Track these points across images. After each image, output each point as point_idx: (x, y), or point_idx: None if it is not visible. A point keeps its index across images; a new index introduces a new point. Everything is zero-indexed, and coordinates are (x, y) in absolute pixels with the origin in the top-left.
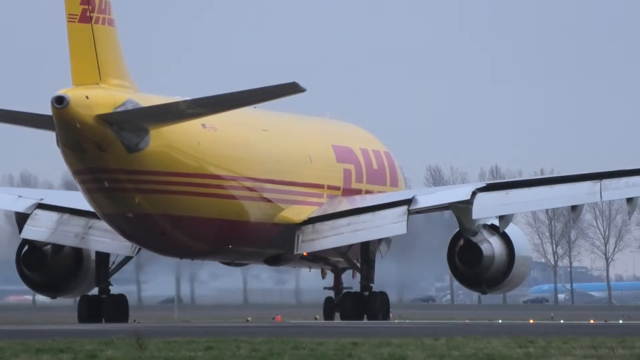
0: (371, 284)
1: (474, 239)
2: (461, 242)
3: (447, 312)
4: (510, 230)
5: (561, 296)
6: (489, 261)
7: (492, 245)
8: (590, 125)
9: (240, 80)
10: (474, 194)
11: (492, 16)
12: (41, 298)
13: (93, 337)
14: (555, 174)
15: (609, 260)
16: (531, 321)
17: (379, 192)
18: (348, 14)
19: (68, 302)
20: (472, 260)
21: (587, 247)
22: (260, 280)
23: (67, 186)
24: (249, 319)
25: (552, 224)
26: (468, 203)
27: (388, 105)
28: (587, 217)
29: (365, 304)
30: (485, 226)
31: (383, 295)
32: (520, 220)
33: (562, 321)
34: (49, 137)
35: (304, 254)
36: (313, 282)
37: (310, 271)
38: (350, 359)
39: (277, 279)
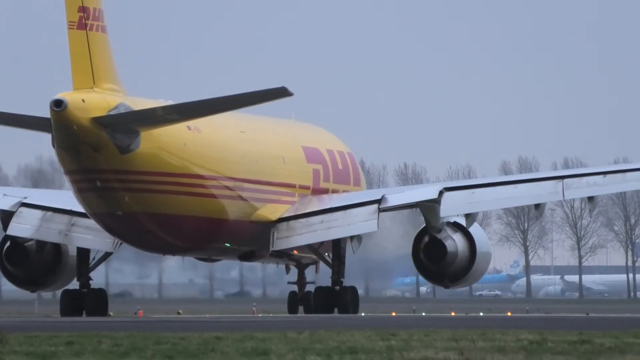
0: (342, 279)
1: (439, 236)
2: (426, 238)
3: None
4: (472, 227)
5: (423, 289)
6: (452, 257)
7: (455, 242)
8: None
9: (216, 84)
10: (441, 193)
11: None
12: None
13: None
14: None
15: None
16: (393, 314)
17: (344, 191)
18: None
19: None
20: (437, 256)
21: None
22: (123, 274)
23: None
24: (110, 313)
25: None
26: (435, 202)
27: (349, 106)
28: None
29: (336, 298)
30: (449, 223)
31: (353, 290)
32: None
33: (423, 314)
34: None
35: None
36: (176, 277)
37: (277, 266)
38: (214, 354)
39: (139, 273)
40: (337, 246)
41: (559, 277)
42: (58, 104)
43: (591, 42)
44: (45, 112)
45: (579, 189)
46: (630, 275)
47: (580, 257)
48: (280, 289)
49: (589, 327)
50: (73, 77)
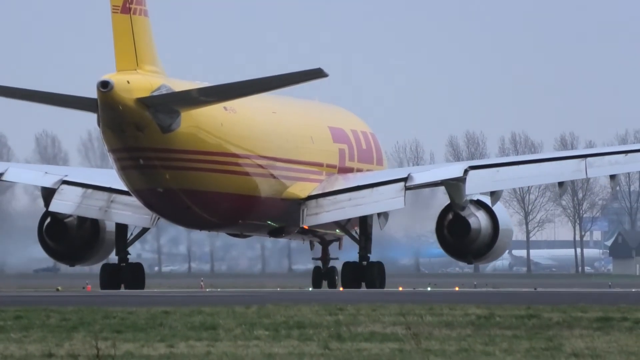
0: (369, 254)
1: (463, 213)
2: (450, 215)
3: (258, 280)
4: (494, 205)
5: None
6: (475, 234)
7: (478, 219)
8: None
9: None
10: (466, 171)
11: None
12: None
13: None
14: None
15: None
16: (341, 289)
17: (368, 170)
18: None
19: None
20: (460, 233)
21: None
22: None
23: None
24: (58, 288)
25: None
26: (460, 180)
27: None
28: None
29: (364, 273)
30: (472, 201)
31: (380, 265)
32: None
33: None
34: None
35: (305, 227)
36: None
37: (303, 242)
38: (162, 328)
39: None
40: (364, 223)
41: (506, 251)
42: (105, 85)
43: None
44: (85, 93)
45: (601, 167)
46: (578, 250)
47: (528, 232)
48: (228, 264)
49: (536, 302)
50: (116, 59)
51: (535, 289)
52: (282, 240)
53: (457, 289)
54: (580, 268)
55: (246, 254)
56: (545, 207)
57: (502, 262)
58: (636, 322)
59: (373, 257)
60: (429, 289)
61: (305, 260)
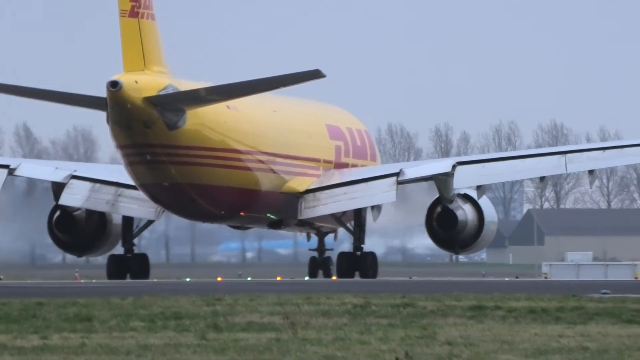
0: (362, 245)
1: (451, 206)
2: (439, 208)
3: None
4: (480, 199)
5: (249, 254)
6: (462, 225)
7: (465, 212)
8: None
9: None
10: (454, 167)
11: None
12: None
13: None
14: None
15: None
16: (219, 279)
17: (362, 165)
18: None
19: None
20: (449, 225)
21: None
22: None
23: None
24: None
25: None
26: (448, 175)
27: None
28: None
29: (358, 263)
30: (459, 195)
31: (373, 255)
32: None
33: (249, 279)
34: None
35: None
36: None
37: (300, 234)
38: (35, 320)
39: None
40: (359, 215)
41: (382, 241)
42: (114, 84)
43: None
44: (92, 92)
45: (580, 163)
46: None
47: None
48: (103, 256)
49: (412, 291)
50: (124, 60)
51: (410, 277)
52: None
53: (334, 278)
54: (454, 257)
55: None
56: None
57: (378, 249)
58: (509, 310)
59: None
60: (306, 278)
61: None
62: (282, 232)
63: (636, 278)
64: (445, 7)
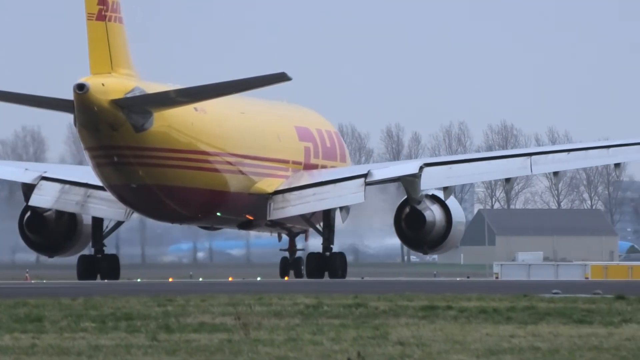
0: (332, 246)
1: (419, 207)
2: (407, 209)
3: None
4: (448, 200)
5: (200, 254)
6: (430, 226)
7: (433, 213)
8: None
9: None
10: (421, 168)
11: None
12: None
13: None
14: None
15: None
16: (170, 280)
17: (332, 166)
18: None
19: None
20: (417, 225)
21: None
22: None
23: None
24: None
25: None
26: (415, 176)
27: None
28: None
29: (327, 263)
30: (427, 196)
31: (342, 256)
32: None
33: (200, 279)
34: None
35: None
36: None
37: (271, 235)
38: None
39: None
40: (328, 216)
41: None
42: (81, 87)
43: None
44: (61, 94)
45: (545, 165)
46: None
47: None
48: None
49: (364, 291)
50: (91, 63)
51: (362, 278)
52: None
53: (286, 278)
54: (406, 257)
55: None
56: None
57: None
58: (461, 310)
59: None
60: (258, 278)
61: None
62: (234, 232)
63: (586, 278)
64: (395, 8)
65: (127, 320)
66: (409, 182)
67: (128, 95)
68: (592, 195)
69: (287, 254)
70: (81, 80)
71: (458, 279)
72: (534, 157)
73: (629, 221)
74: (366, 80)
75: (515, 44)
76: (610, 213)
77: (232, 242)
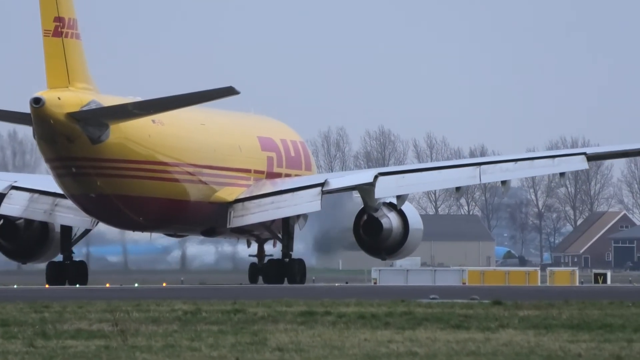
0: (291, 252)
1: (376, 215)
2: (365, 217)
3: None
4: (406, 207)
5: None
6: (387, 233)
7: (390, 220)
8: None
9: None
10: (376, 177)
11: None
12: None
13: None
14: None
15: None
16: (47, 286)
17: (296, 175)
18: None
19: None
20: (374, 232)
21: None
22: None
23: None
24: None
25: None
26: (371, 185)
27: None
28: None
29: (286, 269)
30: (384, 204)
31: (300, 262)
32: None
33: (77, 285)
34: None
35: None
36: None
37: (238, 241)
38: None
39: None
40: (287, 224)
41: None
42: (37, 101)
43: None
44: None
45: (493, 174)
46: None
47: None
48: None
49: (242, 297)
50: (48, 78)
51: (241, 284)
52: None
53: (164, 285)
54: None
55: None
56: None
57: (208, 257)
58: (339, 316)
59: None
60: (136, 285)
61: None
62: (112, 237)
63: (464, 283)
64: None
65: (3, 327)
66: (365, 190)
67: (84, 109)
68: (469, 201)
69: (256, 259)
70: (37, 94)
71: (337, 284)
72: (482, 166)
73: (505, 227)
74: (240, 87)
75: (392, 48)
76: (487, 219)
77: (109, 248)
